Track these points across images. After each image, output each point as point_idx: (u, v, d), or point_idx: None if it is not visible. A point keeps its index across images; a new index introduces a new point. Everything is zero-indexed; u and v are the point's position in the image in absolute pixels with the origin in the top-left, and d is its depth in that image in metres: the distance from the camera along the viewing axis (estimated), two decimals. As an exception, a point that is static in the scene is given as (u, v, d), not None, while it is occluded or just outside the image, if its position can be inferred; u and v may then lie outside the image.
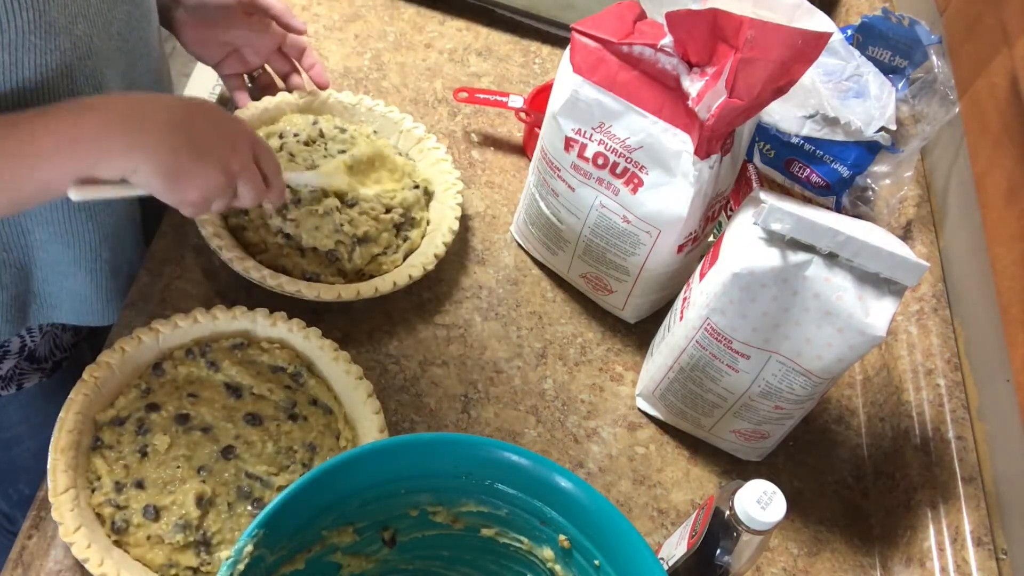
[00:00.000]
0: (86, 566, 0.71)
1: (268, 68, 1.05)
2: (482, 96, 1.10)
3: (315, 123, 1.01)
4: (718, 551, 0.72)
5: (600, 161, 0.87)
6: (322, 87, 1.04)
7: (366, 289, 0.91)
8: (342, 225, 0.92)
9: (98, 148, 0.68)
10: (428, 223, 0.99)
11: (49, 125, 0.67)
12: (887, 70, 1.04)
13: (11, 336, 0.90)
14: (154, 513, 0.74)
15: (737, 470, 0.93)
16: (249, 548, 0.59)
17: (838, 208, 1.02)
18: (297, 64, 1.05)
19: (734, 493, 0.70)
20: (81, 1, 0.73)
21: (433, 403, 0.91)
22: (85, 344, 1.02)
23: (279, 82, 1.06)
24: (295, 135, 0.98)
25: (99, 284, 0.90)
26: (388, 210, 0.96)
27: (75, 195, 0.70)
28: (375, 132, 1.04)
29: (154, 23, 0.88)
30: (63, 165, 0.68)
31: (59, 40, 0.71)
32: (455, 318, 0.97)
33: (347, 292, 0.90)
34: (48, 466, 0.74)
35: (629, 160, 0.85)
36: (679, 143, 0.82)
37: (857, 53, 1.02)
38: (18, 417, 0.97)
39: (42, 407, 0.95)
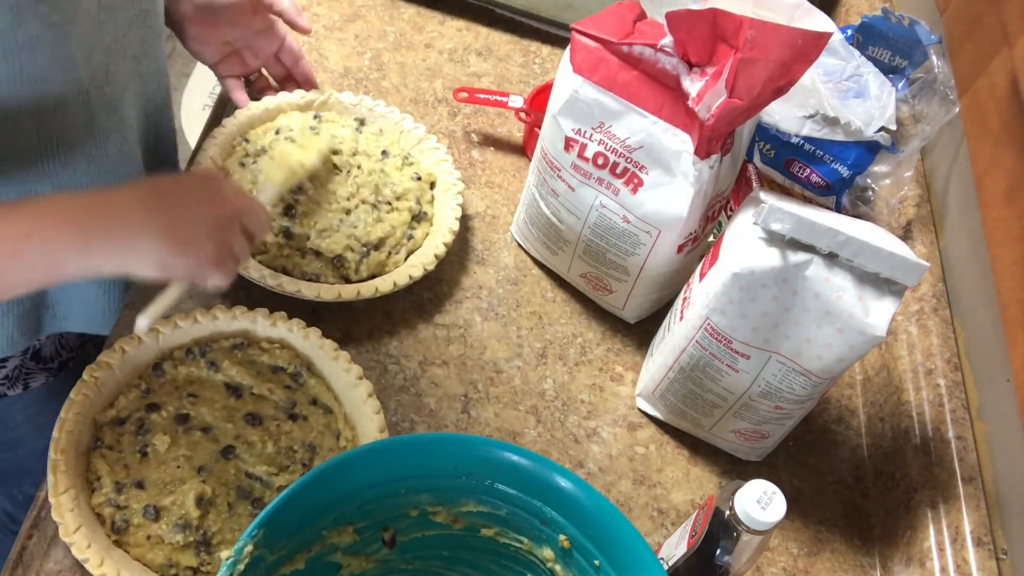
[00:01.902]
0: (86, 566, 0.71)
1: (264, 72, 1.05)
2: (482, 96, 1.10)
3: (316, 117, 1.01)
4: (718, 551, 0.72)
5: (600, 161, 0.87)
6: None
7: (366, 289, 0.91)
8: (356, 228, 0.93)
9: (65, 238, 0.64)
10: (432, 221, 1.00)
11: (5, 217, 0.63)
12: (887, 70, 1.04)
13: (26, 346, 0.90)
14: (154, 513, 0.74)
15: (737, 470, 0.93)
16: (249, 548, 0.59)
17: (838, 208, 1.02)
18: (292, 71, 1.05)
19: (734, 493, 0.70)
20: (97, 32, 0.74)
21: (433, 403, 0.91)
22: (91, 345, 1.02)
23: (275, 86, 1.06)
24: (291, 131, 0.99)
25: (110, 293, 0.90)
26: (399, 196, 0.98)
27: (143, 323, 0.72)
28: (380, 131, 1.04)
29: (162, 40, 0.89)
30: (20, 260, 0.63)
31: (78, 72, 0.72)
32: (455, 318, 0.97)
33: (347, 292, 0.90)
34: (48, 466, 0.74)
35: (629, 160, 0.85)
36: (679, 143, 0.82)
37: (857, 53, 1.02)
38: (23, 417, 0.98)
39: (46, 407, 0.95)
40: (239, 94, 1.02)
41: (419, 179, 1.00)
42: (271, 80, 1.06)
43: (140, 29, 0.81)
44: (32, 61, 0.67)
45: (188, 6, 0.95)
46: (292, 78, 1.05)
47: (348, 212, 0.95)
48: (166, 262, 0.67)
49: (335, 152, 0.98)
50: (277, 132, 0.99)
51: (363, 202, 0.96)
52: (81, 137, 0.76)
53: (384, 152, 1.01)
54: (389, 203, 0.97)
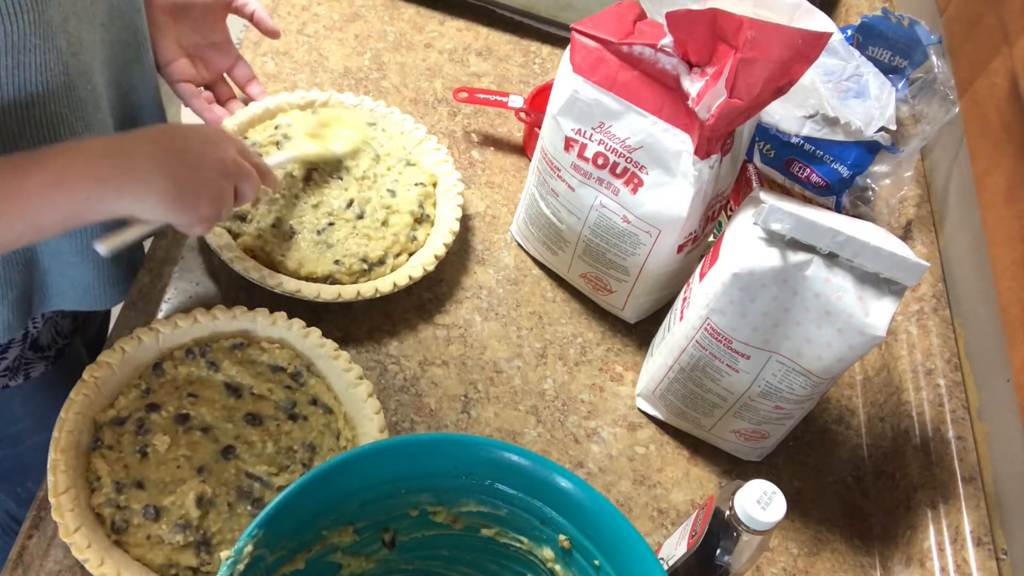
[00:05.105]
0: (86, 566, 0.71)
1: (229, 80, 1.04)
2: (482, 96, 1.10)
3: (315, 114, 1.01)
4: (718, 551, 0.72)
5: (600, 161, 0.87)
6: None
7: (366, 289, 0.91)
8: (347, 248, 0.93)
9: (86, 186, 0.69)
10: (433, 221, 1.00)
11: (38, 165, 0.68)
12: (887, 70, 1.04)
13: (20, 331, 0.90)
14: (154, 513, 0.74)
15: (737, 470, 0.93)
16: (249, 548, 0.59)
17: (838, 208, 1.02)
18: (243, 90, 1.05)
19: (734, 493, 0.70)
20: None
21: (433, 403, 0.91)
22: (78, 335, 1.02)
23: (239, 98, 1.05)
24: (288, 124, 1.00)
25: (100, 270, 0.90)
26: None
27: (102, 249, 0.76)
28: (383, 131, 1.04)
29: (141, 10, 0.88)
30: (51, 204, 0.68)
31: (56, 39, 0.72)
32: (455, 318, 0.97)
33: (347, 292, 0.90)
34: (48, 466, 0.74)
35: (629, 160, 0.85)
36: (679, 143, 0.82)
37: (857, 53, 1.02)
38: (23, 411, 0.97)
39: (45, 400, 0.95)
40: (199, 102, 1.00)
41: (422, 183, 1.00)
42: (236, 90, 1.05)
43: None
44: (14, 28, 0.68)
45: None
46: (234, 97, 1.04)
47: (360, 217, 0.95)
48: (166, 212, 0.73)
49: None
50: (276, 128, 0.99)
51: (375, 200, 0.97)
52: (60, 107, 0.76)
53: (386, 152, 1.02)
54: (390, 206, 0.98)
